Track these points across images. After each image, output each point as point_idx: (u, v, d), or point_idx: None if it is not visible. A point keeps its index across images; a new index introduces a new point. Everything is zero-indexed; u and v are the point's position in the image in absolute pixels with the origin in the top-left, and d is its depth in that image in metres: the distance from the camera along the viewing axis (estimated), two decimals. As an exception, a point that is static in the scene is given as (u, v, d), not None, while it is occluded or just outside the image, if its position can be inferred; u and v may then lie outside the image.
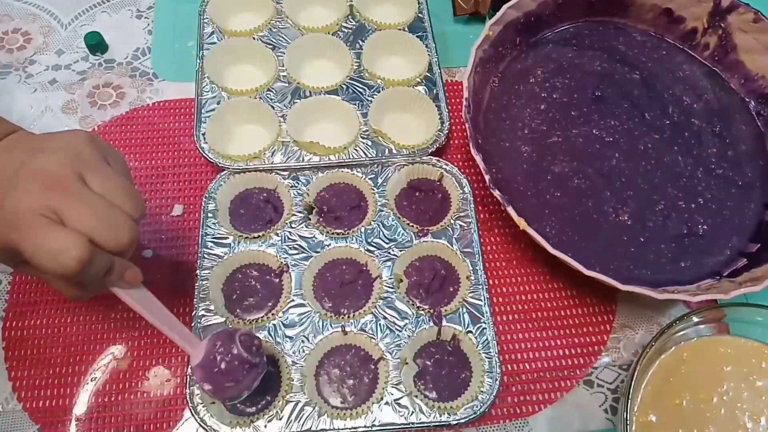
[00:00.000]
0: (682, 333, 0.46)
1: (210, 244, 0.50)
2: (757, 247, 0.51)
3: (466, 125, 0.50)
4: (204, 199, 0.52)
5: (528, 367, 0.49)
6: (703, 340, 0.46)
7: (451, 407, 0.45)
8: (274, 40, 0.60)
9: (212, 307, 0.48)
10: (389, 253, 0.50)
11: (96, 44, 0.61)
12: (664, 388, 0.44)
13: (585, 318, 0.51)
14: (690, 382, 0.45)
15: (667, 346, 0.45)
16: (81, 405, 0.46)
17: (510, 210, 0.47)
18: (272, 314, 0.48)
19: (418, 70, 0.59)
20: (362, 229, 0.52)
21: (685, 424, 0.43)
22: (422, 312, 0.48)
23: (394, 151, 0.55)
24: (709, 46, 0.60)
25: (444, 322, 0.48)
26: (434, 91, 0.58)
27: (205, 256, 0.50)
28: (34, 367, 0.48)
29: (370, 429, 0.44)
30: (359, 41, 0.61)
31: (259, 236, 0.51)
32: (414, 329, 0.47)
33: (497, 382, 0.45)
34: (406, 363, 0.46)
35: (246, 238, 0.51)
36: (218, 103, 0.56)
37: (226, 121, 0.56)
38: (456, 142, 0.58)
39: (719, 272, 0.50)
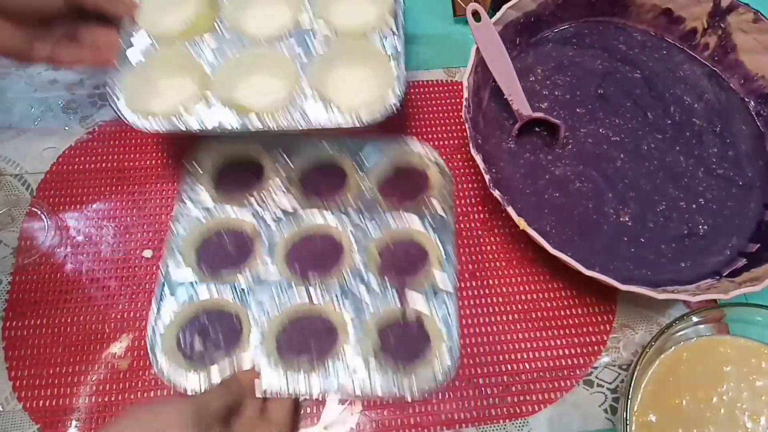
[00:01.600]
0: (681, 333, 0.46)
1: (189, 205, 0.52)
2: (757, 247, 0.51)
3: (466, 125, 0.50)
4: (187, 163, 0.53)
5: (528, 367, 0.49)
6: (703, 340, 0.46)
7: (407, 382, 0.45)
8: None
9: (181, 259, 0.49)
10: (365, 230, 0.51)
11: (96, 44, 0.60)
12: (664, 388, 0.44)
13: (585, 318, 0.51)
14: (690, 382, 0.45)
15: (666, 346, 0.45)
16: (81, 405, 0.46)
17: (510, 210, 0.47)
18: (241, 274, 0.49)
19: (376, 16, 0.51)
20: (341, 205, 0.52)
21: (684, 424, 0.43)
22: (390, 290, 0.49)
23: (337, 114, 0.47)
24: (709, 46, 0.60)
25: (410, 303, 0.48)
26: (393, 45, 0.50)
27: (182, 215, 0.51)
28: (34, 367, 0.48)
29: (323, 394, 0.45)
30: None
31: (238, 202, 0.52)
32: (379, 306, 0.48)
33: (456, 365, 0.46)
34: (368, 338, 0.47)
35: (225, 203, 0.52)
36: (142, 54, 0.50)
37: (150, 74, 0.50)
38: (456, 142, 0.58)
39: (719, 272, 0.50)
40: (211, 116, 0.47)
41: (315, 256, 0.51)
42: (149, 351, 0.45)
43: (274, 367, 0.45)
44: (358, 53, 0.51)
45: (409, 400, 0.45)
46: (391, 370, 0.46)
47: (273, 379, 0.45)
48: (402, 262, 0.51)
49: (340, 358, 0.46)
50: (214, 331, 0.47)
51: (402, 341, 0.48)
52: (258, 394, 0.45)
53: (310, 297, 0.48)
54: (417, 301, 0.48)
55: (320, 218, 0.52)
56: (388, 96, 0.48)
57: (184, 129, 0.47)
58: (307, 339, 0.47)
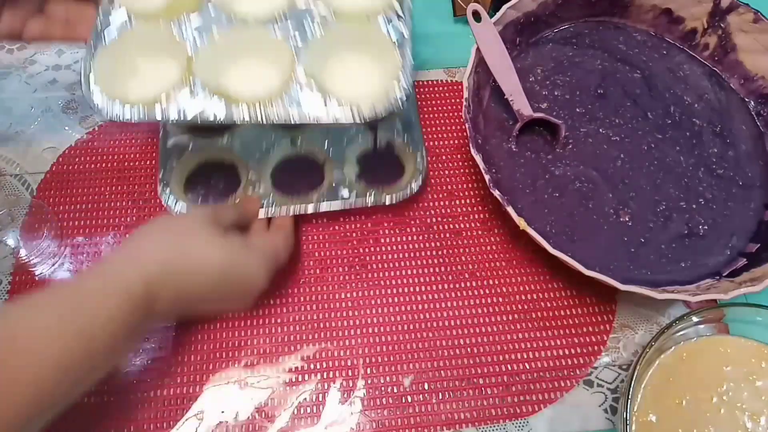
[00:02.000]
0: (681, 333, 0.46)
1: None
2: (757, 247, 0.51)
3: (466, 125, 0.50)
4: None
5: (528, 367, 0.49)
6: (703, 340, 0.46)
7: (388, 191, 0.53)
8: None
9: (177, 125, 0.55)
10: None
11: (96, 44, 0.60)
12: (664, 388, 0.44)
13: (585, 318, 0.51)
14: (690, 382, 0.45)
15: (666, 345, 0.45)
16: (80, 404, 0.46)
17: (510, 210, 0.47)
18: (229, 132, 0.55)
19: None
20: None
21: (685, 424, 0.43)
22: (362, 127, 0.56)
23: (336, 109, 0.43)
24: (709, 46, 0.60)
25: (380, 134, 0.56)
26: (400, 31, 0.46)
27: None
28: (34, 367, 0.48)
29: (318, 208, 0.52)
30: None
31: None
32: (354, 140, 0.56)
33: (423, 174, 0.54)
34: (350, 166, 0.54)
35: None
36: (119, 31, 0.45)
37: (127, 54, 0.45)
38: (456, 142, 0.58)
39: (719, 272, 0.50)
40: (194, 106, 0.43)
41: None
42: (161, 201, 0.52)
43: (273, 197, 0.52)
44: (359, 39, 0.46)
45: (387, 203, 0.52)
46: (374, 185, 0.53)
47: (273, 204, 0.51)
48: None
49: (328, 185, 0.53)
50: (216, 177, 0.54)
51: (378, 163, 0.55)
52: (261, 216, 0.51)
53: (295, 143, 0.55)
54: (386, 133, 0.56)
55: None
56: (393, 88, 0.43)
57: (161, 119, 0.42)
58: (299, 173, 0.54)
